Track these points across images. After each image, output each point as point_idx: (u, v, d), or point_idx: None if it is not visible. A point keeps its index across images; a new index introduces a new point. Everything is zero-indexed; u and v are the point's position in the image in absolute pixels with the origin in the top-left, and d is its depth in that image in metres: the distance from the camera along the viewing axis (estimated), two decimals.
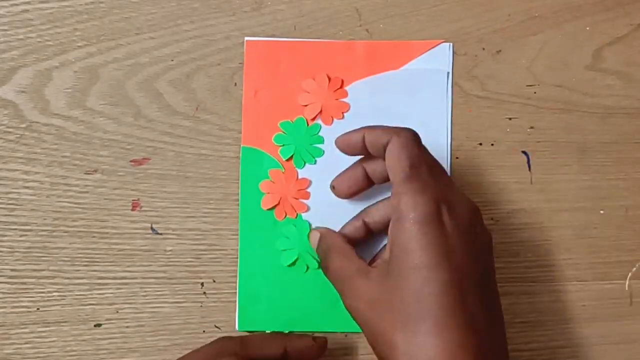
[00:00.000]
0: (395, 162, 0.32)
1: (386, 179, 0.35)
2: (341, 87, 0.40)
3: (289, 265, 0.39)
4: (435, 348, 0.29)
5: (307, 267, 0.39)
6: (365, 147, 0.34)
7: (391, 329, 0.30)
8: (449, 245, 0.30)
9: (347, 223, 0.38)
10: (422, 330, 0.29)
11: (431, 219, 0.30)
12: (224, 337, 0.35)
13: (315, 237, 0.37)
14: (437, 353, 0.29)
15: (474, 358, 0.29)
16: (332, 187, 0.38)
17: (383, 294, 0.31)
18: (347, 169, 0.37)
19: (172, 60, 0.40)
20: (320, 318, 0.39)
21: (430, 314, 0.29)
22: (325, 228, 0.38)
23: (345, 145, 0.35)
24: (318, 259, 0.38)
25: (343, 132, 0.35)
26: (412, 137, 0.33)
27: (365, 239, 0.38)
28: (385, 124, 0.34)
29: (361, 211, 0.37)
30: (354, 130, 0.35)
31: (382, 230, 0.36)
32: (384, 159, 0.33)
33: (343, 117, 0.40)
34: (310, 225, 0.39)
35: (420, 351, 0.29)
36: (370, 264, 0.34)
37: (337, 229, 0.39)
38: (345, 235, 0.37)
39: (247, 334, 0.39)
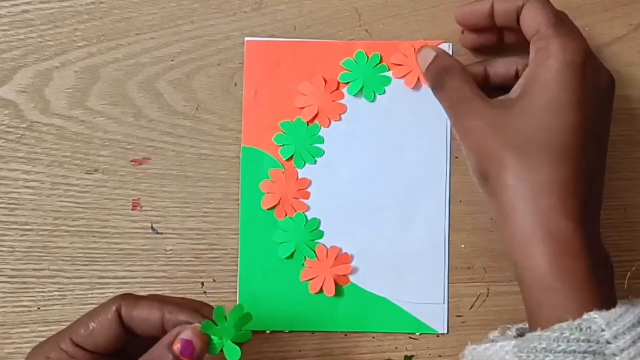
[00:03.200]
0: (538, 14, 0.33)
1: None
2: (337, 88, 0.40)
3: (287, 258, 0.39)
4: (548, 176, 0.31)
5: (305, 258, 0.39)
6: (491, 15, 0.35)
7: (506, 147, 0.32)
8: (588, 94, 0.32)
9: (468, 65, 0.38)
10: (541, 158, 0.31)
11: (579, 65, 0.32)
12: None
13: (429, 54, 0.37)
14: (549, 181, 0.31)
15: (581, 200, 0.31)
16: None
17: (507, 118, 0.32)
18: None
19: (172, 60, 0.40)
20: (320, 318, 0.39)
21: (553, 148, 0.31)
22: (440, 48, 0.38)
23: (469, 15, 0.36)
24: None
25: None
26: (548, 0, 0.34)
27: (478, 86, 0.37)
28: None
29: (484, 60, 0.38)
30: (479, 1, 0.36)
31: (498, 83, 0.37)
32: (514, 26, 0.34)
33: (340, 118, 0.40)
34: (306, 217, 0.40)
35: (532, 175, 0.31)
36: None
37: (338, 229, 0.39)
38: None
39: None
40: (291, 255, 0.39)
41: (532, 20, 0.33)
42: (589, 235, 0.31)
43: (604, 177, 0.35)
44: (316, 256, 0.39)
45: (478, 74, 0.37)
